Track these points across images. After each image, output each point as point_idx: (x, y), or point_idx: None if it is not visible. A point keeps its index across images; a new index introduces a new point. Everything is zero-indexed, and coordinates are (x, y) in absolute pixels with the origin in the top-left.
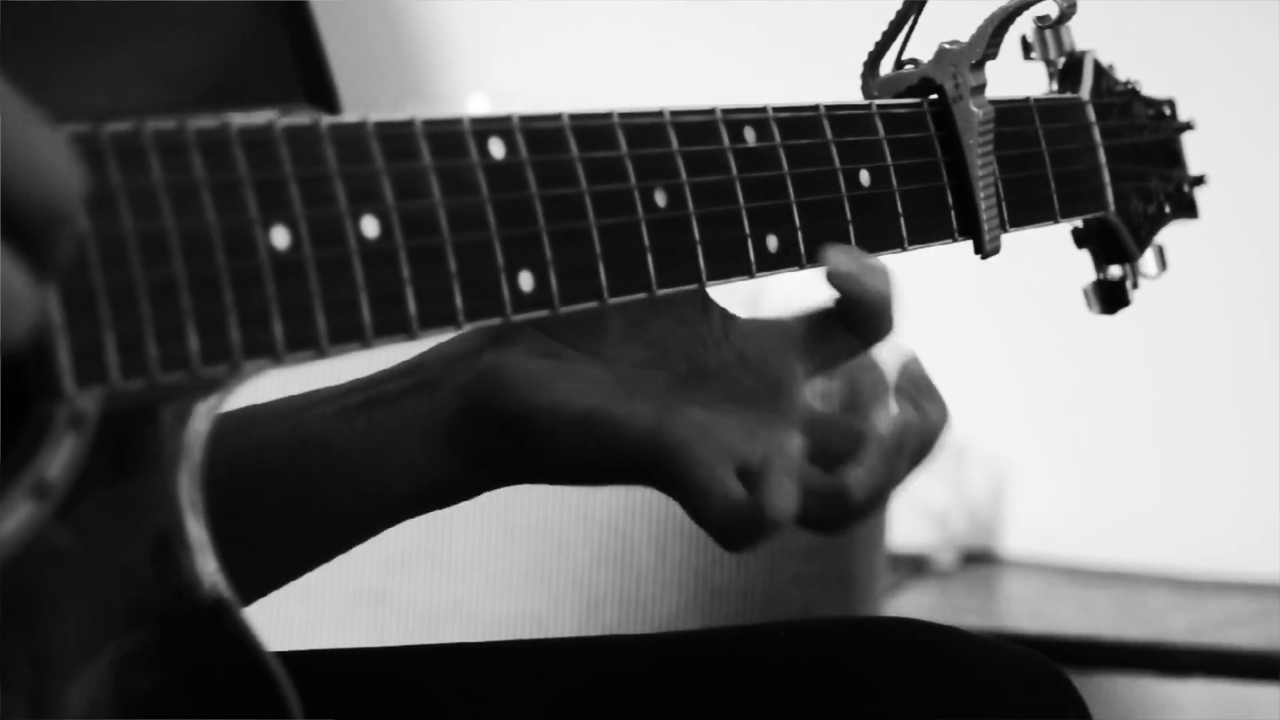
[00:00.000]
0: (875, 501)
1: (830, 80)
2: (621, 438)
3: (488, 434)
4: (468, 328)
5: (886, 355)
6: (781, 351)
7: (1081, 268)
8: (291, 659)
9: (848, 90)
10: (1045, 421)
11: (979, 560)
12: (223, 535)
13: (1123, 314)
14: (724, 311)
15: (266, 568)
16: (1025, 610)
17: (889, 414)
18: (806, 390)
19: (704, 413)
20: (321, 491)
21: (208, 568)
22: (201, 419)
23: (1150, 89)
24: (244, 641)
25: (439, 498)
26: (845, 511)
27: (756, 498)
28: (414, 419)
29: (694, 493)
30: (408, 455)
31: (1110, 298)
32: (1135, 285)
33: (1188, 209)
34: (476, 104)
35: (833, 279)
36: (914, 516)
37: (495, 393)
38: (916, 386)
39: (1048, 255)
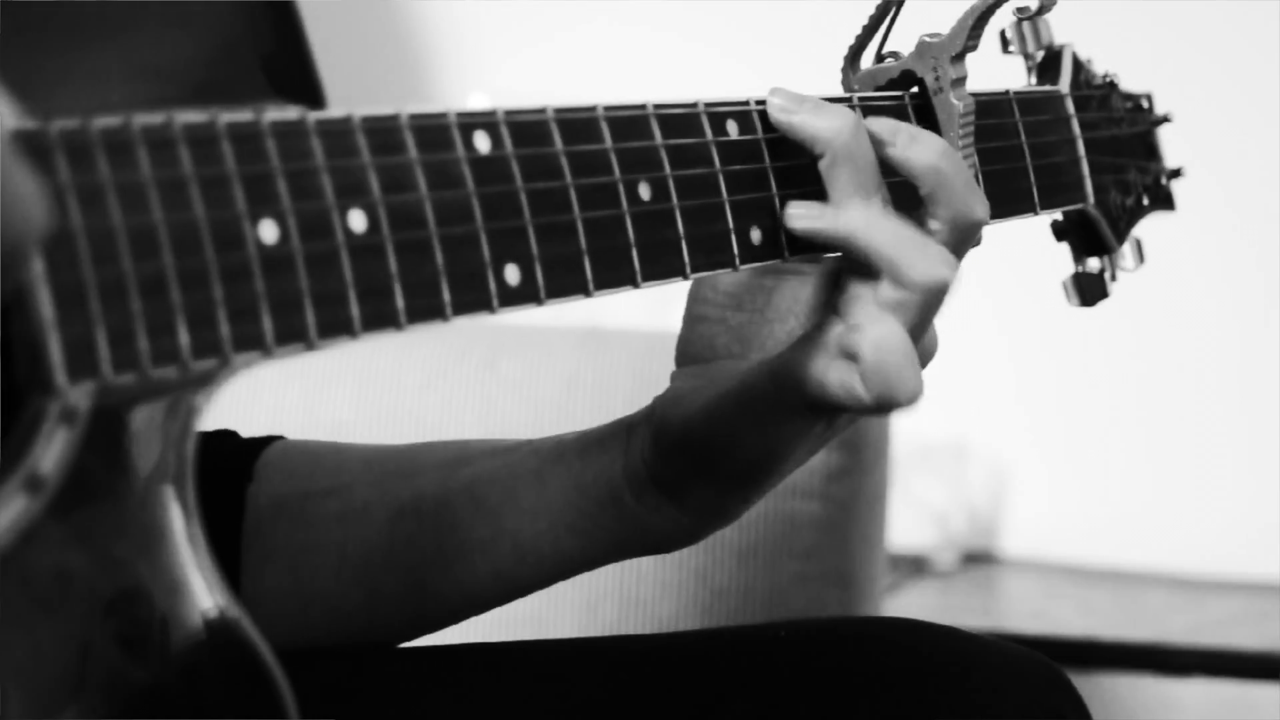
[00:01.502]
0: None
1: (815, 75)
2: (756, 393)
3: (669, 459)
4: (454, 320)
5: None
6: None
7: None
8: (291, 659)
9: (830, 84)
10: (1045, 421)
11: (979, 560)
12: (423, 559)
13: (1123, 315)
14: None
15: (462, 596)
16: (1025, 610)
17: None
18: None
19: (799, 335)
20: (532, 527)
21: (201, 566)
22: (192, 414)
23: (1128, 82)
24: (240, 640)
25: (650, 535)
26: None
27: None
28: (617, 459)
29: (840, 398)
30: (613, 493)
31: (1089, 290)
32: (1114, 278)
33: (1165, 201)
34: (476, 103)
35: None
36: (914, 516)
37: (667, 421)
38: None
39: (1050, 256)
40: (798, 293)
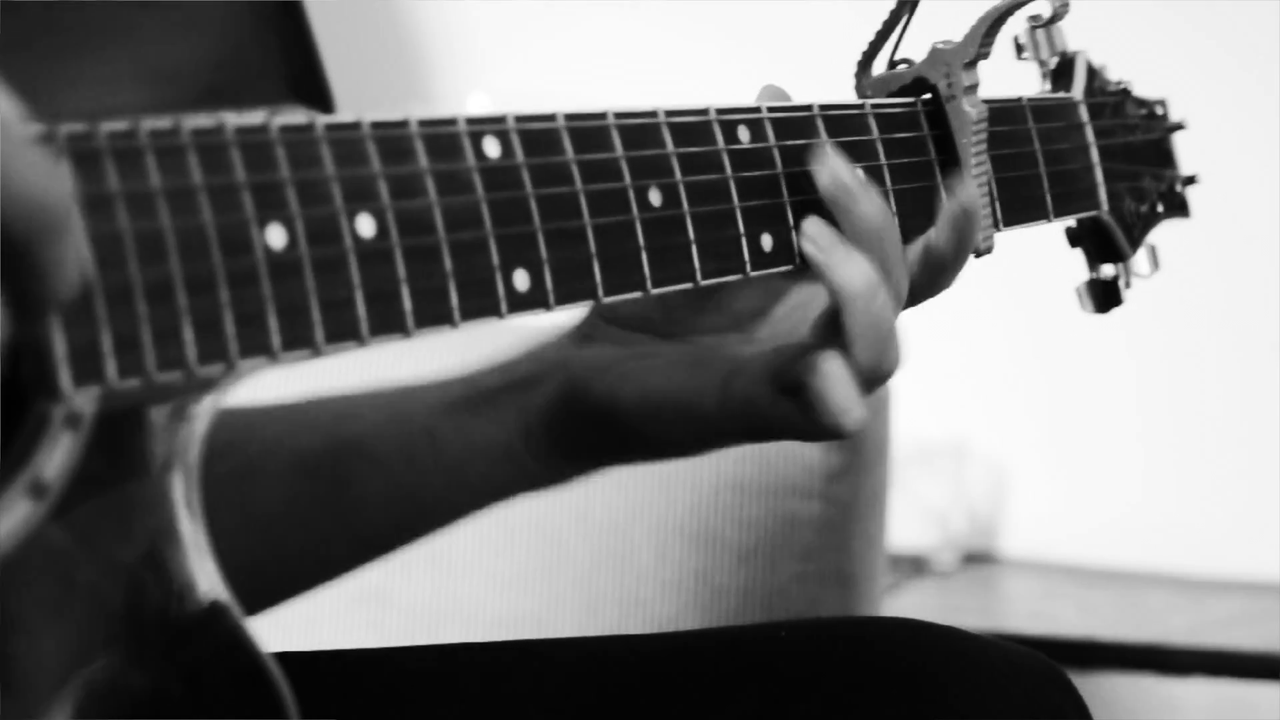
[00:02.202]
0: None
1: (826, 80)
2: (701, 413)
3: (582, 428)
4: (463, 327)
5: None
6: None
7: (1080, 268)
8: (291, 659)
9: (842, 90)
10: (1045, 421)
11: (979, 560)
12: (321, 515)
13: (1123, 315)
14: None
15: (362, 547)
16: (1025, 610)
17: None
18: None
19: (758, 358)
20: (426, 481)
21: (204, 568)
22: (197, 419)
23: (1142, 89)
24: (240, 642)
25: (537, 485)
26: (858, 359)
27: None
28: (512, 415)
29: (784, 429)
30: (509, 449)
31: (1103, 297)
32: (1128, 285)
33: (1180, 208)
34: (476, 103)
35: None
36: (914, 516)
37: (584, 389)
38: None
39: (1048, 256)
40: (735, 290)
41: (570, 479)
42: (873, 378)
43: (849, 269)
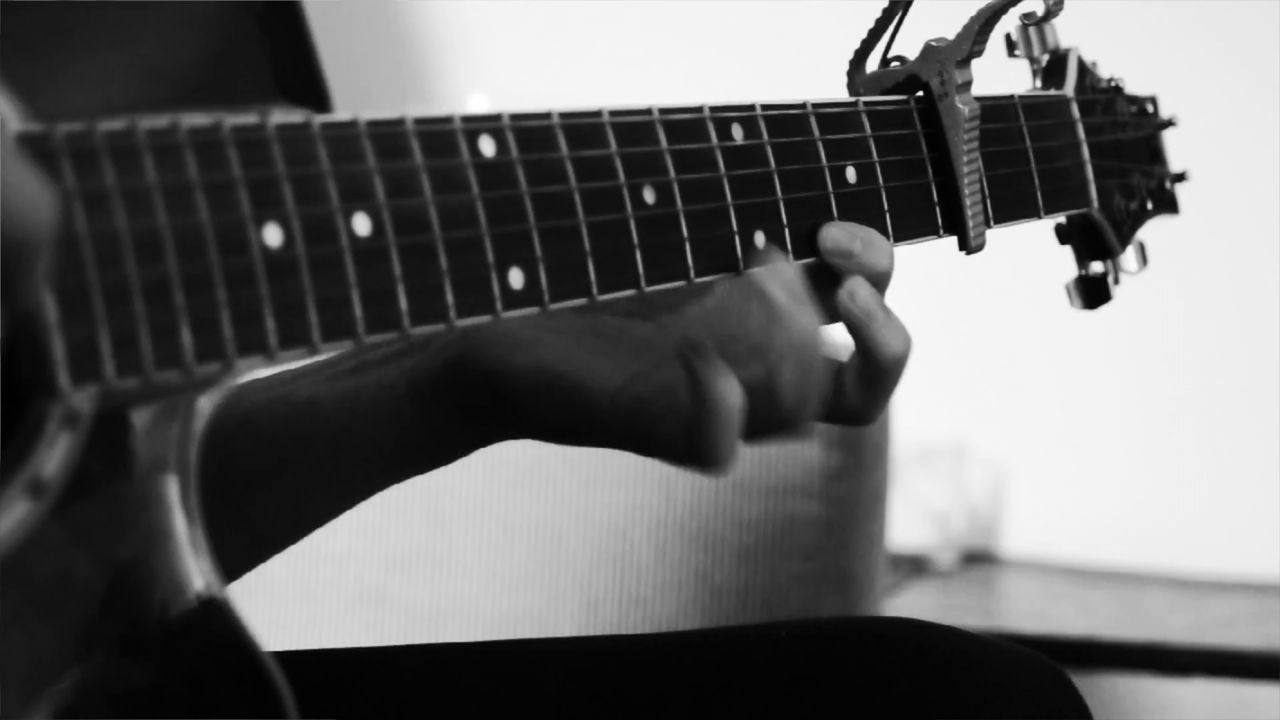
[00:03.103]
0: (805, 403)
1: (820, 79)
2: (591, 403)
3: (468, 391)
4: (459, 325)
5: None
6: (763, 298)
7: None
8: (291, 659)
9: (836, 87)
10: (1045, 421)
11: (979, 560)
12: (217, 505)
13: (1123, 315)
14: None
15: (260, 536)
16: (1025, 610)
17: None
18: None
19: (671, 371)
20: (312, 454)
21: (201, 567)
22: (195, 418)
23: (1133, 86)
24: (239, 640)
25: (426, 455)
26: (777, 410)
27: (703, 403)
28: (398, 378)
29: (661, 446)
30: (393, 413)
31: (1092, 293)
32: (1117, 281)
33: (1169, 205)
34: (476, 104)
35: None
36: (914, 516)
37: (475, 351)
38: (866, 312)
39: (1049, 255)
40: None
41: (460, 452)
42: (775, 427)
43: (895, 342)
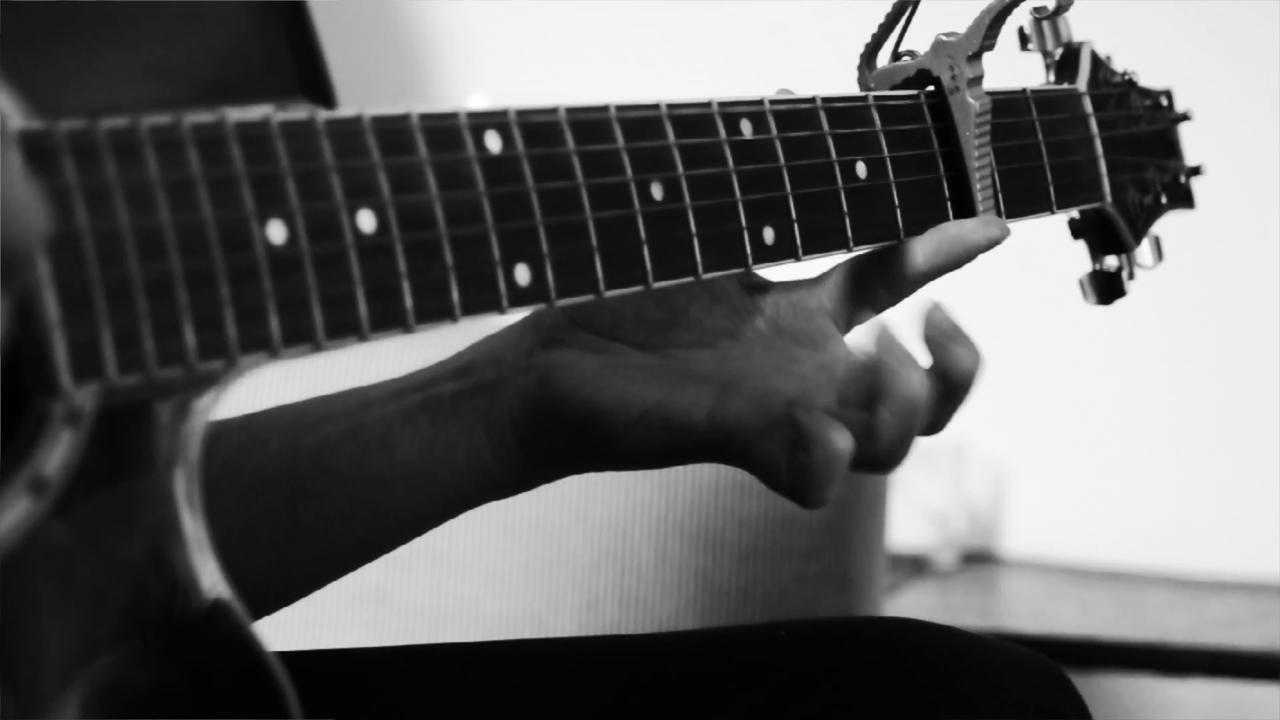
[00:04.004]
0: (905, 442)
1: (828, 72)
2: (687, 426)
3: (555, 434)
4: (464, 322)
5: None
6: (811, 313)
7: (1081, 263)
8: (291, 659)
9: (845, 83)
10: (1045, 421)
11: (979, 560)
12: (288, 540)
13: (1124, 314)
14: (755, 282)
15: (333, 563)
16: (1025, 610)
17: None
18: (840, 343)
19: (755, 383)
20: (388, 493)
21: (206, 566)
22: (198, 415)
23: (1147, 79)
24: (243, 640)
25: (502, 492)
26: (876, 450)
27: (811, 453)
28: (476, 422)
29: (762, 466)
30: (474, 456)
31: (1106, 289)
32: (1131, 276)
33: (1184, 199)
34: (476, 103)
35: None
36: (914, 516)
37: (560, 395)
38: (943, 333)
39: (1048, 255)
40: (707, 308)
41: (532, 485)
42: (873, 465)
43: (915, 381)
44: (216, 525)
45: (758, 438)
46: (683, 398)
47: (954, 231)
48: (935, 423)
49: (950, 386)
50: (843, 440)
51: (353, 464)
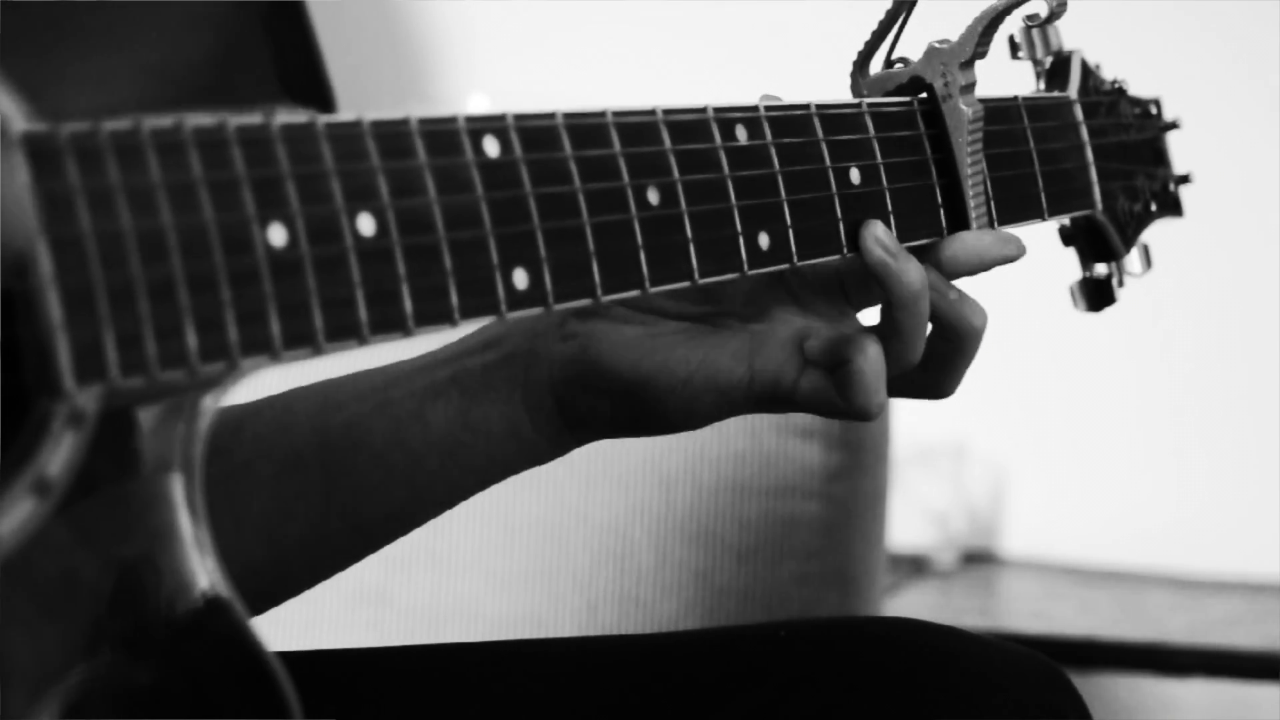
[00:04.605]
0: (921, 334)
1: (828, 73)
2: (732, 382)
3: (598, 400)
4: (463, 325)
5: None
6: (825, 281)
7: (1077, 267)
8: (291, 659)
9: (845, 84)
10: (1045, 421)
11: (979, 560)
12: (317, 508)
13: (1123, 315)
14: None
15: (361, 537)
16: (1025, 610)
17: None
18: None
19: (783, 330)
20: (423, 466)
21: (206, 566)
22: (200, 417)
23: (1146, 81)
24: (243, 640)
25: (540, 458)
26: (903, 348)
27: (852, 362)
28: (512, 391)
29: (811, 400)
30: (511, 425)
31: (1096, 296)
32: (1121, 283)
33: (1173, 207)
34: (476, 104)
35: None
36: (914, 516)
37: (604, 362)
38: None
39: (1049, 256)
40: (740, 283)
41: (568, 450)
42: (899, 372)
43: (912, 272)
44: (251, 505)
45: (800, 375)
46: (722, 356)
47: (972, 243)
48: (943, 381)
49: (956, 342)
50: (870, 343)
51: (386, 439)
